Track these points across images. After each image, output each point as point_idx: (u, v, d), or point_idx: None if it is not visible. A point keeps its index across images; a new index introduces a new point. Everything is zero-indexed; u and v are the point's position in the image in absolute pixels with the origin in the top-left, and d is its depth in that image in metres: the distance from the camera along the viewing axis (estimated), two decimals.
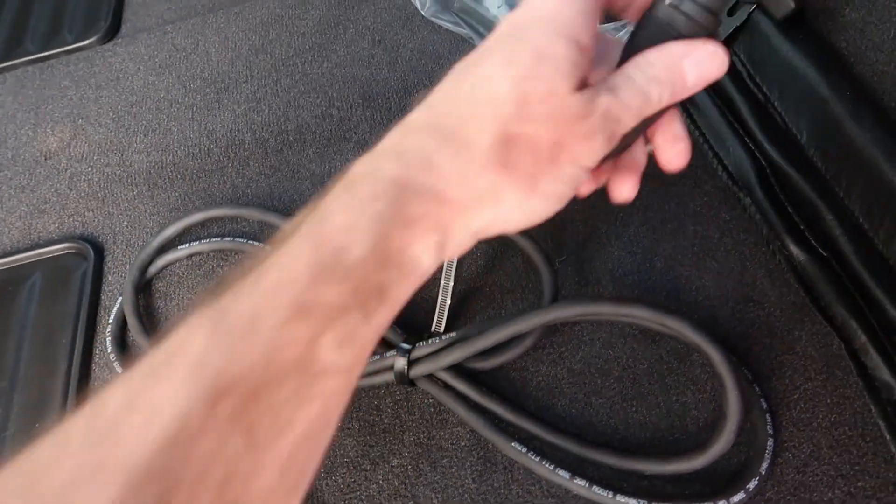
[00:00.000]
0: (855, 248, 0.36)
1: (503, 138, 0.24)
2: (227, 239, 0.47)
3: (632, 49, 0.26)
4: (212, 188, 0.52)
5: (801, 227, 0.38)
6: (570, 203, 0.45)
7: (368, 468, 0.39)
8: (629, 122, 0.25)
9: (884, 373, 0.33)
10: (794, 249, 0.37)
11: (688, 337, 0.36)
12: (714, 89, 0.45)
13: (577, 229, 0.44)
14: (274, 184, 0.51)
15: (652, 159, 0.32)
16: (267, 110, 0.54)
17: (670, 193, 0.44)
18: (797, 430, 0.35)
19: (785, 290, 0.39)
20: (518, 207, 0.25)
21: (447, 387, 0.39)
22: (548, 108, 0.24)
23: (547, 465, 0.35)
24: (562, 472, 0.35)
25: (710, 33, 0.25)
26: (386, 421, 0.40)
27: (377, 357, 0.39)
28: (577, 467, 0.35)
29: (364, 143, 0.51)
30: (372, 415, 0.41)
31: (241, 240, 0.47)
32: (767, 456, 0.33)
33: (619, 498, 0.33)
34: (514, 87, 0.24)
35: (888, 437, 0.32)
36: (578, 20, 0.24)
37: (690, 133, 0.45)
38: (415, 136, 0.25)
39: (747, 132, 0.41)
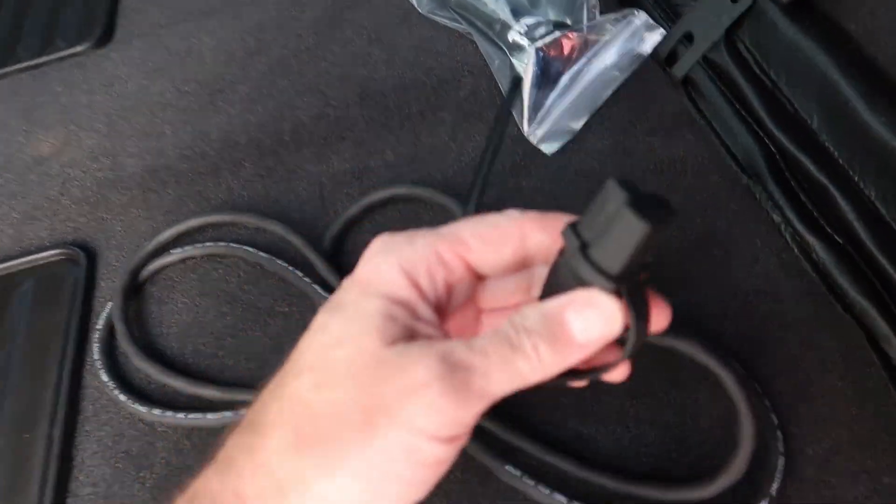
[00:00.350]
0: (872, 234, 0.34)
1: (301, 415, 0.22)
2: (222, 244, 0.46)
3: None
4: (206, 191, 0.51)
5: (815, 214, 0.36)
6: (570, 198, 0.45)
7: None
8: (494, 374, 0.22)
9: None
10: (808, 237, 0.35)
11: (700, 359, 0.34)
12: (720, 76, 0.43)
13: None
14: (270, 185, 0.50)
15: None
16: (262, 111, 0.53)
17: (676, 186, 0.43)
18: (816, 426, 0.33)
19: (798, 281, 0.37)
20: (339, 492, 0.22)
21: None
22: (354, 369, 0.22)
23: (543, 490, 0.33)
24: (559, 497, 0.33)
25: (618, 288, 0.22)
26: None
27: None
28: (576, 491, 0.34)
29: (361, 142, 0.50)
30: None
31: (236, 245, 0.46)
32: (778, 476, 0.32)
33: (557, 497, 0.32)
34: (316, 357, 0.23)
35: None
36: (396, 276, 0.24)
37: (696, 122, 0.44)
38: (232, 438, 0.25)
39: (755, 119, 0.40)
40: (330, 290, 0.42)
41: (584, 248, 0.22)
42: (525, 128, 0.47)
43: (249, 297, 0.45)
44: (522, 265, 0.26)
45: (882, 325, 0.32)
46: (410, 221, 0.46)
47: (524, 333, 0.22)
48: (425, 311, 0.24)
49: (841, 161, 0.36)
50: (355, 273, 0.25)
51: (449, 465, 0.24)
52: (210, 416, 0.38)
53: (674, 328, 0.37)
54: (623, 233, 0.21)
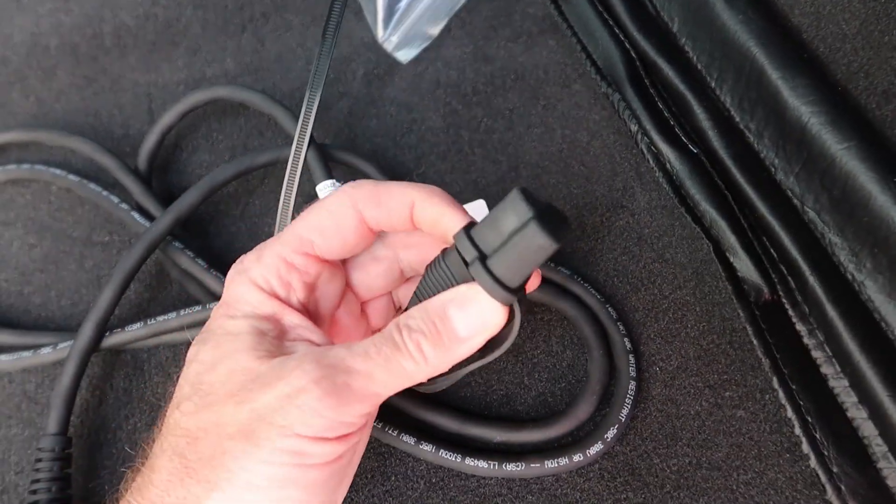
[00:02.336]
0: (725, 143, 0.33)
1: (183, 443, 0.22)
2: (26, 166, 0.40)
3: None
4: (11, 104, 0.43)
5: (671, 123, 0.34)
6: (428, 111, 0.41)
7: None
8: (376, 375, 0.22)
9: (752, 274, 0.30)
10: (662, 147, 0.34)
11: (558, 283, 0.33)
12: None
13: (438, 137, 0.40)
14: (89, 96, 0.43)
15: None
16: (77, 10, 0.46)
17: (537, 95, 0.40)
18: (665, 342, 0.32)
19: (655, 194, 0.36)
20: None
21: None
22: (230, 387, 0.22)
23: (391, 432, 0.31)
24: (407, 438, 0.31)
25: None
26: None
27: (197, 308, 0.34)
28: (423, 432, 0.31)
29: (196, 49, 0.44)
30: None
31: (42, 167, 0.39)
32: (628, 402, 0.31)
33: (468, 461, 0.30)
34: (192, 385, 0.23)
35: (755, 341, 0.30)
36: (253, 294, 0.25)
37: (560, 28, 0.41)
38: (129, 482, 0.25)
39: (616, 21, 0.37)
40: (150, 217, 0.37)
41: (482, 258, 0.22)
42: (379, 34, 0.43)
43: (62, 226, 0.39)
44: (371, 239, 0.27)
45: (729, 237, 0.31)
46: (227, 133, 0.41)
47: (407, 332, 0.22)
48: (293, 318, 0.25)
49: (699, 67, 0.34)
50: (220, 302, 0.25)
51: (353, 456, 0.24)
52: (3, 357, 0.33)
53: None
54: (528, 249, 0.21)
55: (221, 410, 0.22)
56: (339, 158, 0.37)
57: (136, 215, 0.36)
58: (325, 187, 0.34)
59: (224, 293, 0.26)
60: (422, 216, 0.25)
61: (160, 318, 0.34)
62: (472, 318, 0.22)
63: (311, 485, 0.22)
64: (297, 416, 0.21)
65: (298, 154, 0.34)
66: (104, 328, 0.33)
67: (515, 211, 0.21)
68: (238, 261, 0.26)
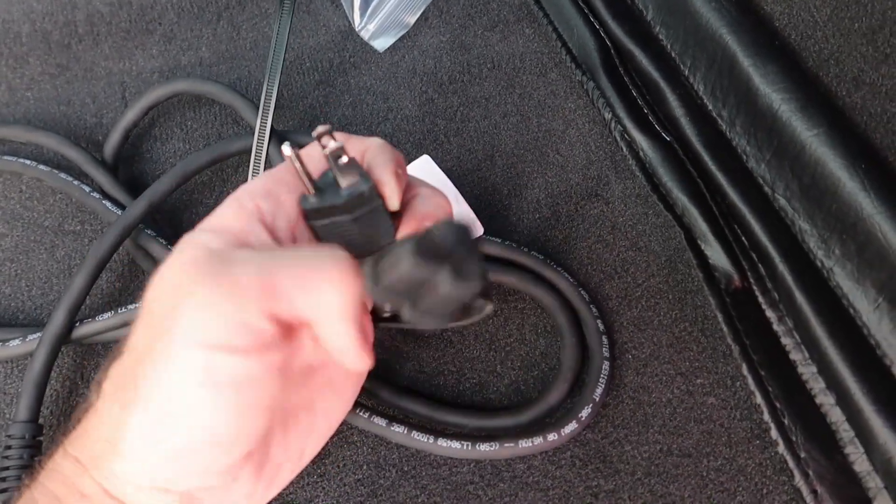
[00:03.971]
0: (698, 130, 0.33)
1: (116, 372, 0.21)
2: None
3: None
4: None
5: (645, 110, 0.34)
6: (404, 99, 0.41)
7: None
8: (266, 263, 0.21)
9: (723, 261, 0.31)
10: (635, 134, 0.34)
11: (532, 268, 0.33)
12: None
13: (414, 126, 0.39)
14: (61, 85, 0.43)
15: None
16: None
17: (514, 84, 0.39)
18: (638, 330, 0.33)
19: (630, 183, 0.36)
20: (152, 426, 0.20)
21: None
22: (150, 305, 0.21)
23: (362, 415, 0.31)
24: (378, 420, 0.30)
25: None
26: None
27: None
28: (395, 415, 0.31)
29: (171, 36, 0.44)
30: None
31: (10, 157, 0.39)
32: (601, 382, 0.31)
33: (441, 442, 0.30)
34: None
35: (725, 328, 0.30)
36: (222, 212, 0.23)
37: (536, 16, 0.40)
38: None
39: (592, 9, 0.37)
40: (121, 206, 0.36)
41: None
42: (355, 22, 0.42)
43: (33, 215, 0.39)
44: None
45: (701, 224, 0.31)
46: (202, 122, 0.40)
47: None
48: (259, 231, 0.23)
49: (673, 54, 0.34)
50: (202, 225, 0.24)
51: (278, 390, 0.21)
52: None
53: (507, 237, 0.35)
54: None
55: (139, 328, 0.21)
56: (306, 143, 0.37)
57: (108, 204, 0.36)
58: None
59: (209, 219, 0.24)
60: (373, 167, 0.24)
61: (131, 307, 0.34)
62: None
63: (228, 410, 0.20)
64: (193, 318, 0.19)
65: (261, 144, 0.34)
66: (75, 314, 0.33)
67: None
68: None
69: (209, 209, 0.38)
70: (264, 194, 0.24)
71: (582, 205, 0.36)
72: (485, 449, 0.30)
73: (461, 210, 0.33)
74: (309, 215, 0.24)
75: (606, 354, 0.31)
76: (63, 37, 0.44)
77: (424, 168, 0.35)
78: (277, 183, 0.24)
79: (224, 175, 0.39)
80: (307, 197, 0.23)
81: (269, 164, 0.36)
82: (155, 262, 0.36)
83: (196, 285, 0.20)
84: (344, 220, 0.23)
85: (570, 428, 0.30)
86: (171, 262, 0.21)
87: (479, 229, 0.33)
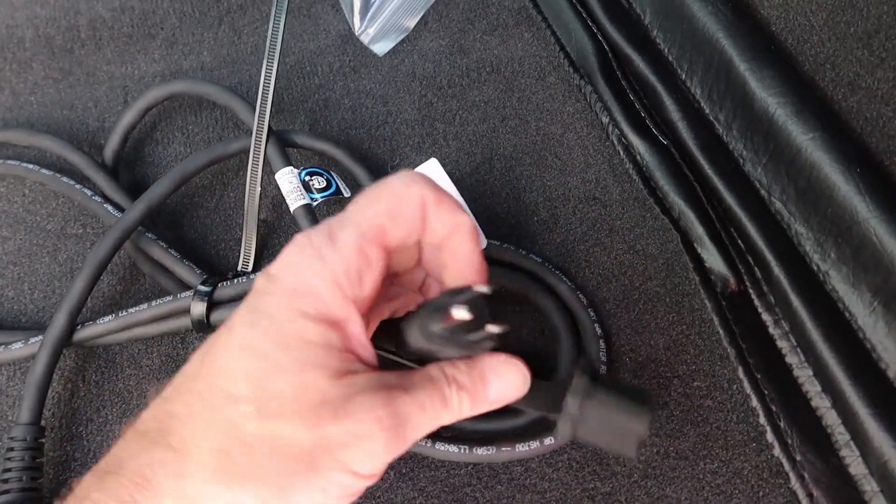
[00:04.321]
0: (695, 134, 0.33)
1: (234, 445, 0.21)
2: None
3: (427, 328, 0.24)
4: None
5: (642, 114, 0.34)
6: (403, 103, 0.41)
7: None
8: (424, 426, 0.23)
9: (719, 264, 0.31)
10: (633, 138, 0.34)
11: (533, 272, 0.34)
12: None
13: (413, 129, 0.40)
14: (64, 89, 0.43)
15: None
16: (52, 2, 0.45)
17: (512, 88, 0.40)
18: (635, 333, 0.33)
19: (627, 186, 0.36)
20: None
21: None
22: (298, 406, 0.21)
23: None
24: None
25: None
26: (192, 353, 0.35)
27: (169, 298, 0.34)
28: None
29: (173, 41, 0.44)
30: (176, 348, 0.35)
31: (14, 162, 0.39)
32: None
33: (439, 446, 0.30)
34: (253, 384, 0.21)
35: (721, 332, 0.30)
36: (330, 292, 0.22)
37: (535, 21, 0.41)
38: (137, 445, 0.22)
39: (590, 14, 0.37)
40: (122, 210, 0.36)
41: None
42: (355, 26, 0.43)
43: (36, 219, 0.39)
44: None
45: (697, 228, 0.31)
46: (203, 126, 0.41)
47: (456, 388, 0.23)
48: (356, 326, 0.23)
49: (670, 58, 0.35)
50: (277, 276, 0.23)
51: None
52: None
53: (505, 240, 0.35)
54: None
55: (288, 428, 0.21)
56: (307, 145, 0.37)
57: (109, 207, 0.36)
58: (283, 175, 0.34)
59: (286, 271, 0.23)
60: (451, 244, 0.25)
61: (132, 310, 0.34)
62: (505, 387, 0.24)
63: None
64: (360, 456, 0.21)
65: (258, 147, 0.34)
66: (76, 317, 0.33)
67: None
68: (303, 234, 0.23)
69: (210, 212, 0.39)
70: (357, 251, 0.23)
71: (580, 208, 0.36)
72: (482, 453, 0.30)
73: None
74: (408, 336, 0.24)
75: (604, 359, 0.32)
76: (66, 41, 0.44)
77: (431, 173, 0.34)
78: (368, 239, 0.23)
79: (225, 179, 0.39)
80: (430, 322, 0.23)
81: (267, 165, 0.36)
82: (156, 266, 0.36)
83: (378, 434, 0.21)
84: (451, 354, 0.24)
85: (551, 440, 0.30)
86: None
87: (483, 240, 0.33)
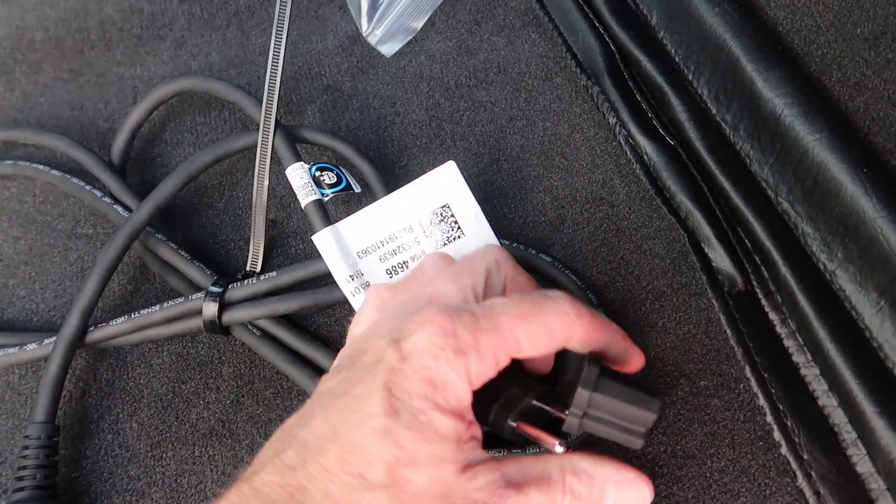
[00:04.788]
0: (702, 135, 0.33)
1: None
2: (8, 162, 0.40)
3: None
4: None
5: (650, 115, 0.35)
6: (411, 104, 0.41)
7: (181, 406, 0.34)
8: None
9: (726, 264, 0.31)
10: (640, 139, 0.34)
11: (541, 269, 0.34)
12: None
13: (421, 131, 0.40)
14: (74, 90, 0.44)
15: None
16: (62, 4, 0.46)
17: (519, 88, 0.40)
18: (642, 333, 0.33)
19: (634, 187, 0.36)
20: None
21: (265, 335, 0.34)
22: (428, 497, 0.21)
23: None
24: None
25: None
26: (202, 353, 0.35)
27: (180, 300, 0.34)
28: None
29: (181, 42, 0.44)
30: (186, 347, 0.36)
31: (24, 163, 0.39)
32: None
33: None
34: (390, 474, 0.21)
35: (728, 331, 0.30)
36: (464, 392, 0.23)
37: (542, 22, 0.41)
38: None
39: (596, 14, 0.38)
40: (131, 210, 0.37)
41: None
42: (363, 27, 0.43)
43: (47, 219, 0.40)
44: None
45: (704, 227, 0.31)
46: (212, 126, 0.41)
47: (570, 499, 0.23)
48: (472, 412, 0.24)
49: (677, 59, 0.35)
50: (411, 357, 0.22)
51: None
52: None
53: (513, 240, 0.35)
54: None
55: None
56: (314, 140, 0.37)
57: (119, 208, 0.36)
58: (293, 170, 0.35)
59: (427, 354, 0.22)
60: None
61: (144, 312, 0.34)
62: (625, 498, 0.24)
63: None
64: None
65: (266, 140, 0.34)
66: (88, 318, 0.34)
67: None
68: (447, 317, 0.23)
69: (219, 213, 0.39)
70: (494, 362, 0.23)
71: (587, 208, 0.36)
72: (493, 454, 0.30)
73: (480, 227, 0.33)
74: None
75: None
76: (76, 43, 0.45)
77: (449, 175, 0.33)
78: (505, 353, 0.24)
79: (234, 179, 0.40)
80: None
81: (276, 163, 0.36)
82: (165, 266, 0.36)
83: None
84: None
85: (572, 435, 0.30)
86: None
87: (494, 242, 0.34)
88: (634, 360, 0.28)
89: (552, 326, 0.24)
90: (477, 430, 0.24)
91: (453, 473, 0.22)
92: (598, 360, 0.26)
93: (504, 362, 0.24)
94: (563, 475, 0.24)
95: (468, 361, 0.22)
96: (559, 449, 0.25)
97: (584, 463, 0.24)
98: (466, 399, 0.23)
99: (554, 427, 0.26)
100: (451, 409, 0.22)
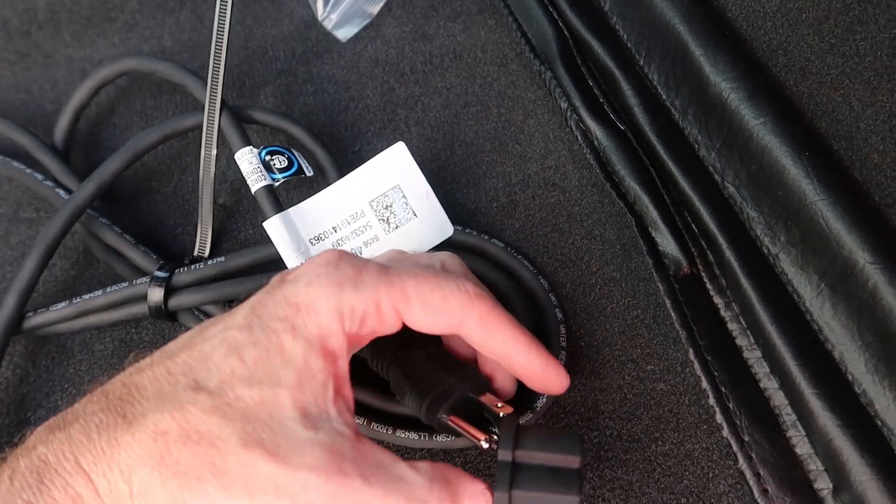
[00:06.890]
0: (651, 120, 0.33)
1: (175, 433, 0.21)
2: None
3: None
4: None
5: (601, 100, 0.35)
6: (365, 88, 0.41)
7: None
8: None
9: (673, 248, 0.31)
10: (590, 124, 0.34)
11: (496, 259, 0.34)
12: None
13: (375, 116, 0.39)
14: (20, 72, 0.42)
15: None
16: None
17: (475, 74, 0.40)
18: (591, 318, 0.33)
19: (586, 172, 0.36)
20: None
21: None
22: (250, 422, 0.21)
23: None
24: None
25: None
26: (147, 340, 0.35)
27: (125, 284, 0.33)
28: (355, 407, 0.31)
29: (133, 24, 0.43)
30: (130, 333, 0.35)
31: None
32: None
33: (399, 434, 0.30)
34: (224, 385, 0.21)
35: (673, 314, 0.30)
36: (331, 325, 0.22)
37: (497, 7, 0.41)
38: (96, 406, 0.22)
39: (551, 0, 0.37)
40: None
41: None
42: (319, 11, 0.42)
43: None
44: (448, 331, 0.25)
45: (652, 212, 0.31)
46: (163, 110, 0.40)
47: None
48: (343, 369, 0.23)
49: (629, 44, 0.35)
50: (291, 282, 0.23)
51: None
52: None
53: (465, 225, 0.35)
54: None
55: (228, 432, 0.21)
56: (264, 121, 0.37)
57: (61, 192, 0.35)
58: (242, 154, 0.34)
59: (302, 290, 0.22)
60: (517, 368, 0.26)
61: (86, 297, 0.33)
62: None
63: None
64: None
65: (212, 120, 0.33)
66: (26, 301, 0.33)
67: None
68: (328, 260, 0.23)
69: (167, 197, 0.38)
70: (375, 305, 0.23)
71: (539, 194, 0.36)
72: (441, 440, 0.30)
73: (432, 208, 0.33)
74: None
75: (564, 344, 0.32)
76: (23, 23, 0.44)
77: (398, 157, 0.33)
78: (392, 302, 0.23)
79: (183, 163, 0.39)
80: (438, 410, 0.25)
81: (226, 147, 0.35)
82: (110, 251, 0.35)
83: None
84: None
85: (525, 418, 0.30)
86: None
87: (449, 229, 0.33)
88: (553, 382, 0.27)
89: (448, 297, 0.24)
90: (341, 372, 0.22)
91: (289, 408, 0.21)
92: (514, 422, 0.25)
93: (390, 314, 0.23)
94: (414, 482, 0.22)
95: (342, 293, 0.22)
96: (484, 445, 0.24)
97: (436, 475, 0.23)
98: (330, 330, 0.22)
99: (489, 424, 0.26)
100: (307, 337, 0.22)
